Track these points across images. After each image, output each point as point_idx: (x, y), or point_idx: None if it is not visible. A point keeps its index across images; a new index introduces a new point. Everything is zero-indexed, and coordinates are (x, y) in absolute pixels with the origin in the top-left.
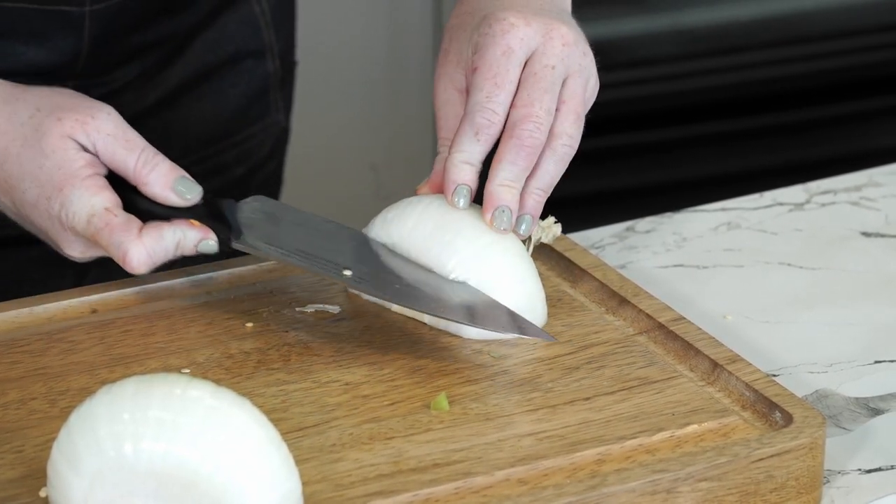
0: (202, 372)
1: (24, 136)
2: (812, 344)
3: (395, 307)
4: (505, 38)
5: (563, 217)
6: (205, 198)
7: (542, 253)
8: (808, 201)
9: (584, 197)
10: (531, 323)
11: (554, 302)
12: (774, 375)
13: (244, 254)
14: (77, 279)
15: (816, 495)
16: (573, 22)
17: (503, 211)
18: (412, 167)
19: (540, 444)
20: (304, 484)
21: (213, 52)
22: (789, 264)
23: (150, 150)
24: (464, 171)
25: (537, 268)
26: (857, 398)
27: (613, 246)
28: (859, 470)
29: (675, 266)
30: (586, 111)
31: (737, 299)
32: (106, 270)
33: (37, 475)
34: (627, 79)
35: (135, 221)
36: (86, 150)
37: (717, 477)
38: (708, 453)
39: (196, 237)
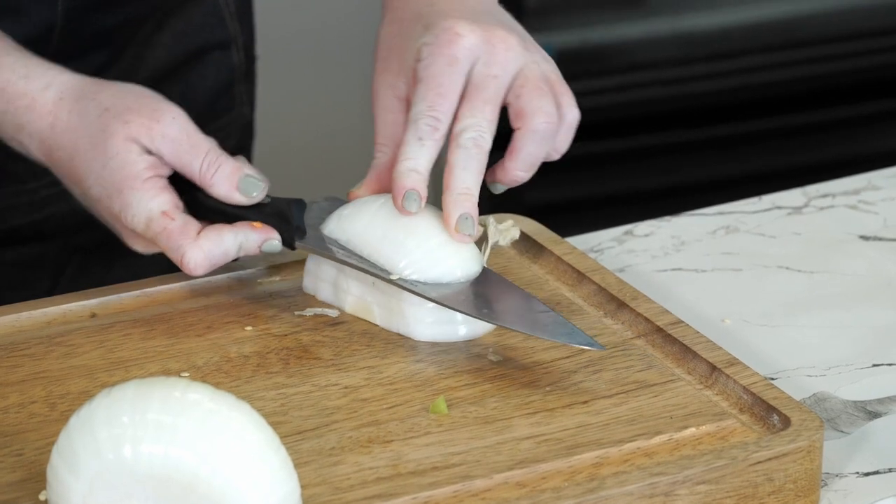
0: (201, 375)
1: (90, 135)
2: (810, 347)
3: (348, 308)
4: (451, 49)
5: (563, 221)
6: (273, 197)
7: (541, 256)
8: (806, 205)
9: (583, 200)
10: (579, 331)
11: (552, 305)
12: (772, 379)
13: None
14: (52, 283)
15: (814, 498)
16: (510, 19)
17: (466, 218)
18: None
19: (538, 448)
20: (303, 487)
21: (181, 44)
22: (787, 268)
23: (214, 152)
24: (411, 178)
25: (536, 272)
26: (854, 401)
27: (612, 249)
28: (857, 473)
29: (674, 270)
30: (555, 88)
31: (735, 303)
32: (82, 271)
33: (36, 478)
34: (627, 83)
35: (193, 224)
36: (149, 152)
37: (715, 480)
38: (706, 456)
39: (259, 238)
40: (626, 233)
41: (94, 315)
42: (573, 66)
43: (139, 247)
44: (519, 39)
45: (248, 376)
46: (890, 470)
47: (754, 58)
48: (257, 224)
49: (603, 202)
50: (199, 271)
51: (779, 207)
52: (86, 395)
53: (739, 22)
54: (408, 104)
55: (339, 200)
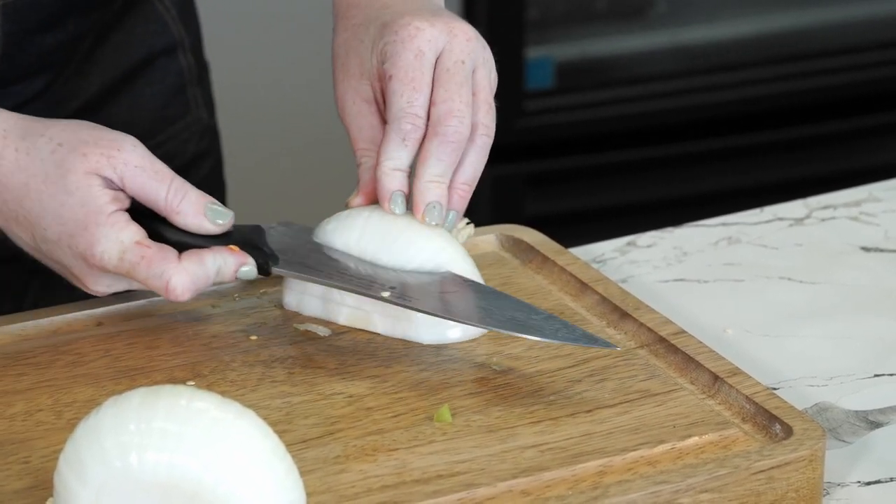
0: (207, 384)
1: (45, 173)
2: (812, 357)
3: (343, 320)
4: (414, 42)
5: (566, 232)
6: (235, 226)
7: (544, 267)
8: (808, 216)
9: (586, 212)
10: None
11: (556, 315)
12: (774, 388)
13: (279, 278)
14: (15, 306)
15: None
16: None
17: (433, 207)
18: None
19: (542, 456)
20: (309, 495)
21: (125, 56)
22: (789, 279)
23: (179, 179)
24: (396, 179)
25: (539, 282)
26: (856, 411)
27: (615, 260)
28: (858, 482)
29: (676, 280)
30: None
31: (737, 313)
32: (45, 294)
33: (43, 486)
34: (629, 95)
35: (170, 249)
36: (110, 184)
37: (718, 488)
38: (709, 465)
39: (236, 263)
40: (629, 244)
41: (100, 324)
42: (573, 78)
43: (102, 286)
44: (476, 32)
45: (253, 385)
46: (891, 479)
47: (754, 70)
48: (234, 248)
49: (605, 213)
50: (186, 296)
51: (780, 219)
52: (92, 404)
53: (740, 35)
54: (377, 105)
55: (293, 224)
